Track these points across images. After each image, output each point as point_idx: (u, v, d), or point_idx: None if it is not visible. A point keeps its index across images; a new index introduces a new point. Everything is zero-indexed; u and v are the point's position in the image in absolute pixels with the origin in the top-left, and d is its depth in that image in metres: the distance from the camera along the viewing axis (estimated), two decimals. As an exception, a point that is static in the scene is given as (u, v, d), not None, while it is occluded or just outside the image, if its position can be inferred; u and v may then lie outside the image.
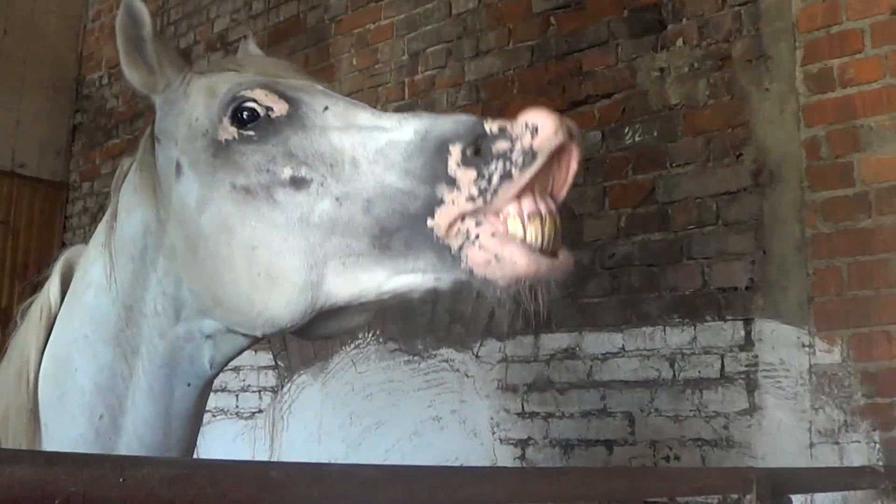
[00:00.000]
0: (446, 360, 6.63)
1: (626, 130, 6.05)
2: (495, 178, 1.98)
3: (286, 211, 2.22)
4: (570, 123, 2.02)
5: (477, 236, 2.00)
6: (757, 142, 5.53)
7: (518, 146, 1.97)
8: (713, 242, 5.57)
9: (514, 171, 1.97)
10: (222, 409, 8.08)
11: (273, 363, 7.83)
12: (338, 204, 2.16)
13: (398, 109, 5.72)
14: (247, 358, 7.81)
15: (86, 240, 8.19)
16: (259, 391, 7.89)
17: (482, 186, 1.99)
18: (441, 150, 2.08)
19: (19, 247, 10.75)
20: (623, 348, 5.77)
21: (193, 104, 2.48)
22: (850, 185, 5.20)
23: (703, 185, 5.67)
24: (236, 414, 8.03)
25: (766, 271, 5.36)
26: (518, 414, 6.18)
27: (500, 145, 2.00)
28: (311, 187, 2.20)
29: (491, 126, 2.04)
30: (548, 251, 2.04)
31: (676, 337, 5.58)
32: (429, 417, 6.64)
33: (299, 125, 2.31)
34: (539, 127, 1.96)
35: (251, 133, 2.32)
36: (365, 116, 2.27)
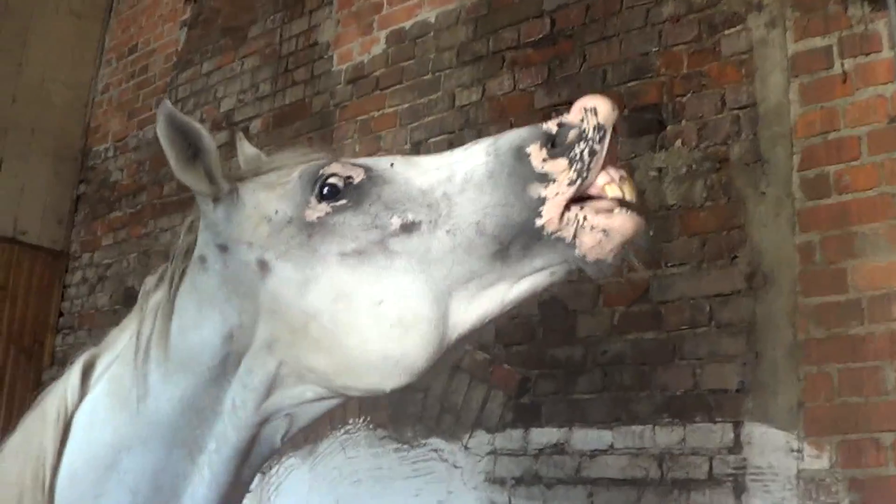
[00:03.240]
0: (435, 450, 6.61)
1: (622, 229, 6.07)
2: (586, 157, 2.24)
3: (405, 257, 2.35)
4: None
5: (585, 218, 2.24)
6: (752, 245, 5.56)
7: (589, 126, 2.25)
8: (705, 344, 5.58)
9: (595, 146, 2.24)
10: (210, 489, 8.02)
11: (263, 444, 7.78)
12: (452, 235, 2.33)
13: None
14: (237, 438, 7.78)
15: (83, 310, 8.18)
16: (247, 472, 7.83)
17: (578, 167, 2.25)
18: (519, 157, 2.32)
19: (16, 313, 10.75)
20: (612, 446, 5.75)
21: (260, 203, 2.54)
22: (843, 292, 5.21)
23: (696, 287, 5.70)
24: (224, 494, 7.95)
25: (757, 374, 5.36)
26: (505, 508, 6.15)
27: (573, 133, 2.27)
28: (422, 227, 2.36)
29: (549, 125, 2.33)
30: (638, 208, 2.29)
31: (666, 437, 5.57)
32: (415, 507, 6.60)
33: (382, 182, 2.46)
34: (597, 107, 2.26)
35: (344, 201, 2.44)
36: (428, 160, 2.50)
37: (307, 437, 7.44)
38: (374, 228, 2.39)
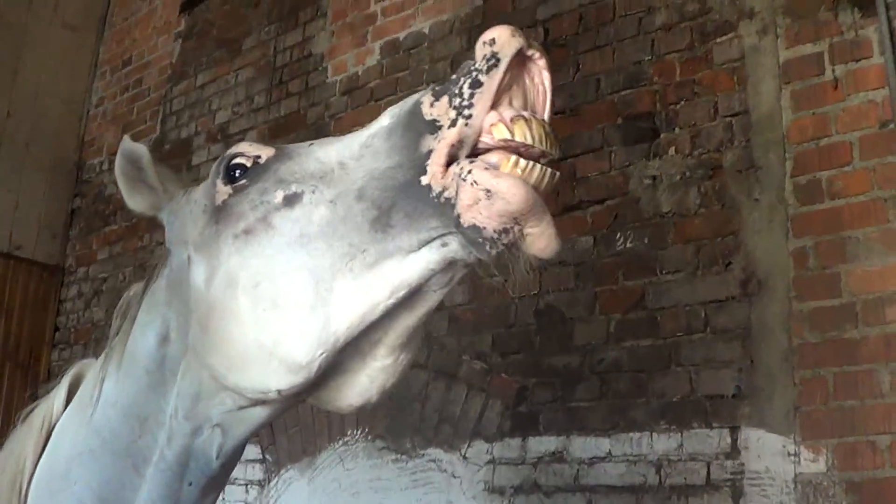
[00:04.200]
0: (434, 460, 6.61)
1: (617, 236, 6.10)
2: (465, 90, 1.91)
3: (284, 231, 2.14)
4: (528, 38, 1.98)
5: (470, 171, 1.87)
6: (746, 251, 5.59)
7: (480, 57, 1.92)
8: (701, 350, 5.60)
9: (481, 77, 1.90)
10: (209, 501, 8.00)
11: (261, 457, 7.80)
12: (333, 205, 2.09)
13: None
14: (235, 450, 7.79)
15: (79, 324, 8.19)
16: (246, 485, 7.84)
17: (456, 103, 1.92)
18: (415, 111, 2.02)
19: (11, 329, 10.75)
20: (610, 453, 5.77)
21: (195, 198, 2.48)
22: (837, 296, 5.23)
23: (692, 293, 5.72)
24: (223, 506, 7.97)
25: (752, 380, 5.38)
26: (504, 516, 6.16)
27: (464, 68, 1.95)
28: (304, 199, 2.14)
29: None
30: (536, 156, 1.93)
31: (663, 443, 5.58)
32: (415, 517, 6.61)
33: (287, 158, 2.28)
34: (496, 37, 1.92)
35: (244, 182, 2.28)
36: (350, 133, 2.23)
37: (305, 449, 7.46)
38: (260, 205, 2.21)
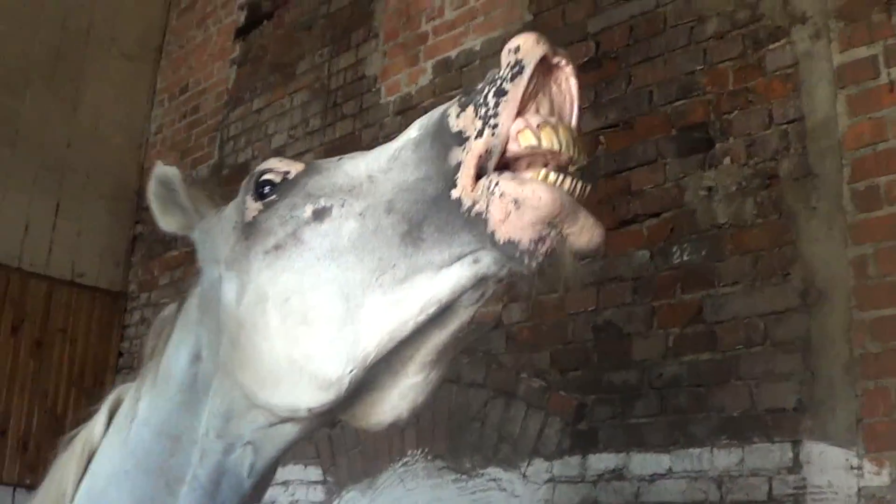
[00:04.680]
0: (494, 480, 6.56)
1: (674, 249, 6.04)
2: (490, 99, 1.87)
3: (314, 245, 2.12)
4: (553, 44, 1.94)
5: (497, 183, 1.84)
6: (804, 261, 5.49)
7: (504, 65, 1.89)
8: (761, 363, 5.50)
9: (505, 85, 1.86)
10: (272, 524, 8.05)
11: (322, 478, 7.81)
12: (362, 218, 2.06)
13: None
14: (296, 472, 7.84)
15: (143, 349, 8.28)
16: (308, 506, 7.87)
17: (482, 113, 1.88)
18: (442, 123, 1.99)
19: (76, 355, 10.89)
20: (670, 469, 5.69)
21: (225, 216, 2.50)
22: (899, 305, 5.13)
23: (750, 305, 5.62)
24: (285, 528, 8.00)
25: (814, 392, 5.27)
26: (565, 535, 6.10)
27: (489, 77, 1.92)
28: (333, 212, 2.12)
29: None
30: (564, 165, 1.90)
31: (724, 458, 5.49)
32: (475, 537, 6.56)
33: (316, 172, 2.27)
34: (520, 44, 1.89)
35: (273, 197, 2.28)
36: (379, 146, 2.20)
37: (366, 470, 7.45)
38: (290, 220, 2.19)
